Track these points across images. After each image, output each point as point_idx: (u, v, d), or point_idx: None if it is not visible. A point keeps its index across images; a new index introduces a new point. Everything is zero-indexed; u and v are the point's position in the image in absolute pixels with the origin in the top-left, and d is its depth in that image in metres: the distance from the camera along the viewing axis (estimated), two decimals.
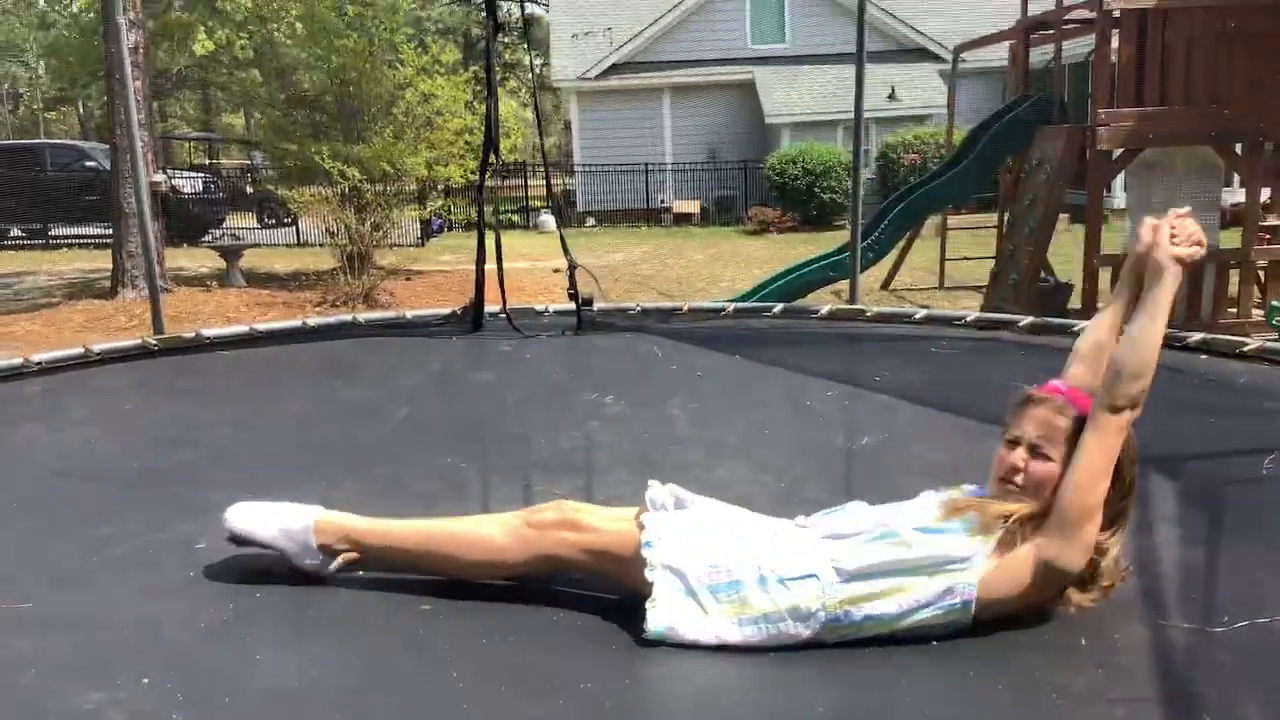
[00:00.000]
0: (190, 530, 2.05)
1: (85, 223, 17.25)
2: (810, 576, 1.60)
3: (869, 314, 4.19)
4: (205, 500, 2.22)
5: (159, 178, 11.67)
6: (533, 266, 12.66)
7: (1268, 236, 8.44)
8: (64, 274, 13.97)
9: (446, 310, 4.25)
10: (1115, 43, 8.24)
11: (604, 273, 11.09)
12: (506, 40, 25.87)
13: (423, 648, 1.63)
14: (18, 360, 3.47)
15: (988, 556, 1.60)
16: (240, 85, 16.56)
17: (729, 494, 1.92)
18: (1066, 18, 9.20)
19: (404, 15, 13.26)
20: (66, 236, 17.71)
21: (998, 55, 14.59)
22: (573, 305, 4.06)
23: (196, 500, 2.25)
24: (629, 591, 1.70)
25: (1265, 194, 8.70)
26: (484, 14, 4.32)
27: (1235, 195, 10.67)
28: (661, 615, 1.61)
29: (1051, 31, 9.59)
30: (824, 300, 8.29)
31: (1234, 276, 8.30)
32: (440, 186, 13.49)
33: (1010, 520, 1.62)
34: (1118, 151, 8.09)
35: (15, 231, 18.32)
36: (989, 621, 1.61)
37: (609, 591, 1.76)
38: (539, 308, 4.36)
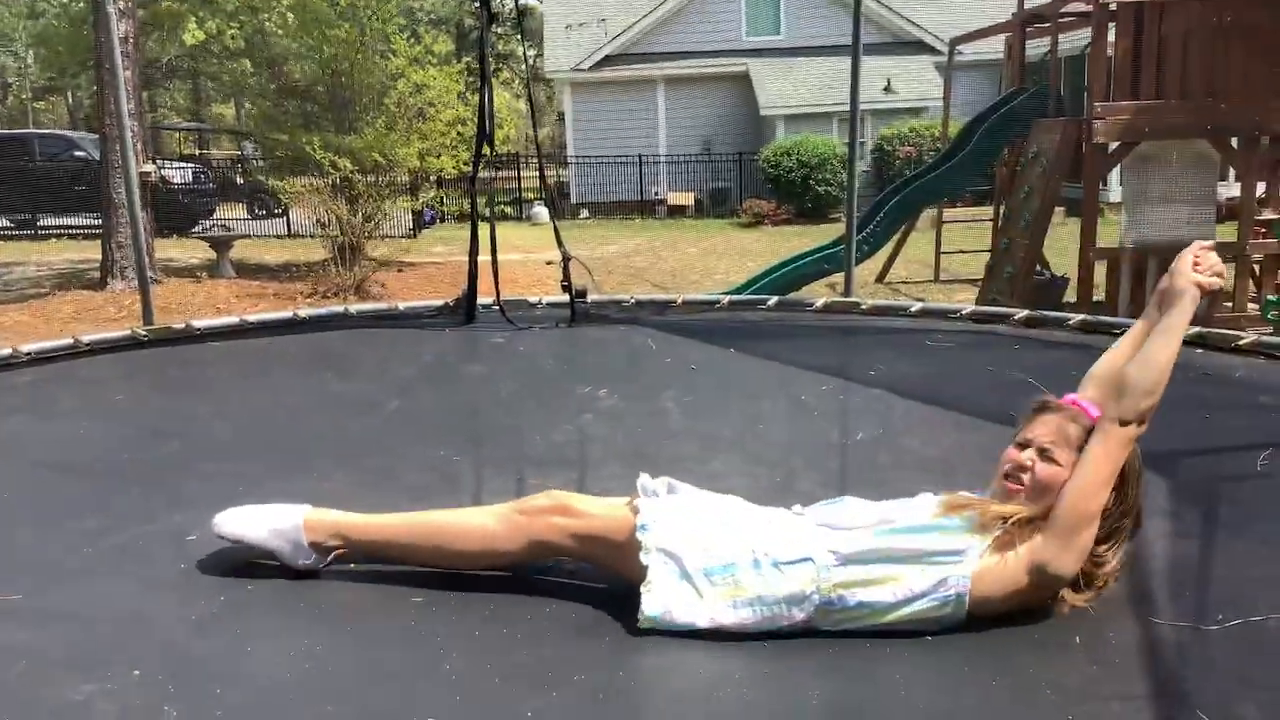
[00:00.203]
0: (181, 521, 2.05)
1: (74, 213, 17.19)
2: (805, 560, 1.61)
3: (864, 307, 4.18)
4: (196, 492, 2.22)
5: (149, 168, 11.60)
6: (526, 258, 12.64)
7: (1263, 230, 8.45)
8: (53, 264, 13.90)
9: (439, 302, 4.23)
10: (1111, 36, 8.24)
11: (598, 265, 11.09)
12: (500, 31, 25.78)
13: (415, 639, 1.62)
14: (6, 351, 3.45)
15: (983, 554, 1.61)
16: (231, 75, 16.46)
17: (723, 487, 1.91)
18: (1063, 10, 9.21)
19: (396, 5, 13.20)
20: (55, 227, 17.63)
21: (994, 48, 14.58)
22: (566, 297, 4.05)
23: (187, 492, 2.24)
24: (621, 580, 1.70)
25: (1261, 188, 8.71)
26: (478, 4, 4.30)
27: (1231, 189, 10.69)
28: (657, 599, 1.61)
29: (1048, 24, 9.58)
30: (819, 293, 8.29)
31: (1229, 271, 8.33)
32: (432, 178, 13.44)
33: (1009, 521, 1.63)
34: (1114, 145, 8.10)
35: (4, 222, 18.22)
36: (982, 619, 1.61)
37: (602, 582, 1.76)
38: (532, 300, 4.35)
